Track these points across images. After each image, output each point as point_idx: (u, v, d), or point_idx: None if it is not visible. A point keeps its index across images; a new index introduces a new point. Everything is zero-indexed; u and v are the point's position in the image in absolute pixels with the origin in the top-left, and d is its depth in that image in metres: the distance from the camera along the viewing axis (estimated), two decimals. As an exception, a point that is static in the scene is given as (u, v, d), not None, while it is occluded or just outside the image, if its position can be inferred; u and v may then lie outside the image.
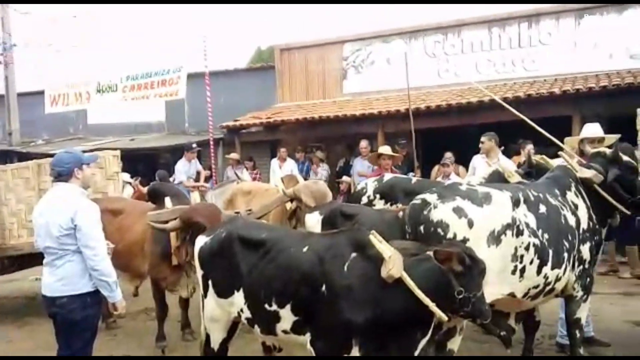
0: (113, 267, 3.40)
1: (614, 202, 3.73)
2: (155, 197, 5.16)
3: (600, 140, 4.44)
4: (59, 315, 3.39)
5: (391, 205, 4.77)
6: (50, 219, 3.31)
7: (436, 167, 8.41)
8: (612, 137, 4.63)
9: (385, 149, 7.35)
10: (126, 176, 8.41)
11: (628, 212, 3.84)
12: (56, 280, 3.35)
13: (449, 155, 8.04)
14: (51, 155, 4.63)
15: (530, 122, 4.47)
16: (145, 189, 8.90)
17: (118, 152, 6.82)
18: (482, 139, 6.94)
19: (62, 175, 3.43)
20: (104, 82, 10.85)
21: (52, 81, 13.37)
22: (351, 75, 12.78)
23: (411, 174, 7.55)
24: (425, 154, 10.55)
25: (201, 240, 3.37)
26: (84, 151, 5.32)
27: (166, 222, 4.38)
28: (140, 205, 5.71)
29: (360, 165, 9.62)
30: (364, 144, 9.62)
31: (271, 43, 15.38)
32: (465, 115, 9.79)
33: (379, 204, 4.89)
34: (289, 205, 4.99)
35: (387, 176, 5.32)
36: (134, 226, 5.12)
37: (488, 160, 6.80)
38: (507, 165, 6.13)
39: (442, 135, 9.99)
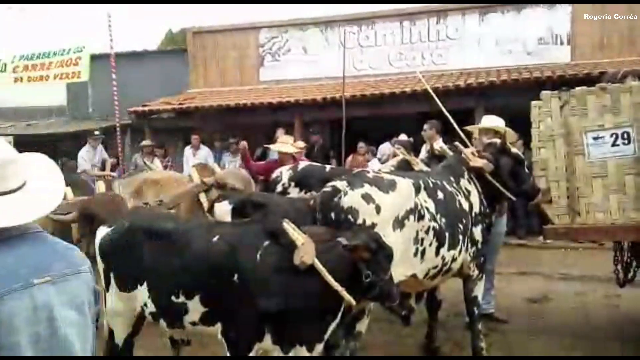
0: None
1: (502, 189, 4.04)
2: None
3: (496, 132, 4.71)
4: None
5: (305, 193, 4.79)
6: None
7: (350, 156, 8.59)
8: (512, 135, 4.91)
9: (279, 146, 6.32)
10: None
11: (514, 199, 4.20)
12: None
13: (361, 145, 8.30)
14: None
15: (447, 114, 4.67)
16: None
17: (11, 139, 6.30)
18: (425, 126, 7.08)
19: None
20: (-10, 61, 9.79)
21: None
22: (268, 63, 12.64)
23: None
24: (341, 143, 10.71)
25: (102, 232, 3.18)
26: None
27: (67, 214, 4.10)
28: None
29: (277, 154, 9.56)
30: (280, 132, 9.56)
31: (183, 25, 14.80)
32: (379, 106, 10.06)
33: (294, 192, 4.89)
34: (204, 196, 4.83)
35: (302, 164, 5.33)
36: None
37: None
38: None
39: (357, 124, 10.20)
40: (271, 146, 6.42)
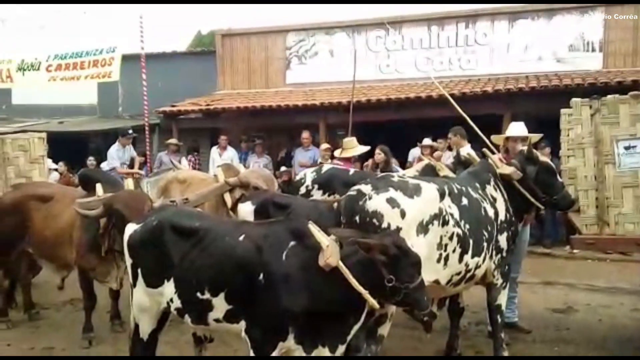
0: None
1: (530, 198, 3.98)
2: (87, 184, 4.94)
3: (525, 139, 4.68)
4: None
5: (329, 195, 4.82)
6: None
7: (370, 161, 8.58)
8: (536, 136, 4.89)
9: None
10: (50, 163, 7.94)
11: (542, 207, 4.13)
12: None
13: (378, 150, 8.28)
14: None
15: (469, 120, 4.64)
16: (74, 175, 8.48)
17: (44, 135, 6.44)
18: (449, 134, 7.03)
19: None
20: (27, 60, 10.07)
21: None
22: (294, 66, 12.73)
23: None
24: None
25: (131, 228, 3.26)
26: (6, 133, 4.97)
27: (94, 210, 4.22)
28: (70, 191, 5.44)
29: (301, 155, 9.64)
30: (305, 134, 9.63)
31: (212, 27, 15.02)
32: (404, 110, 10.03)
33: (317, 195, 4.92)
34: (229, 195, 4.91)
35: (326, 167, 5.35)
36: (62, 213, 4.88)
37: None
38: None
39: (381, 128, 10.18)
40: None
